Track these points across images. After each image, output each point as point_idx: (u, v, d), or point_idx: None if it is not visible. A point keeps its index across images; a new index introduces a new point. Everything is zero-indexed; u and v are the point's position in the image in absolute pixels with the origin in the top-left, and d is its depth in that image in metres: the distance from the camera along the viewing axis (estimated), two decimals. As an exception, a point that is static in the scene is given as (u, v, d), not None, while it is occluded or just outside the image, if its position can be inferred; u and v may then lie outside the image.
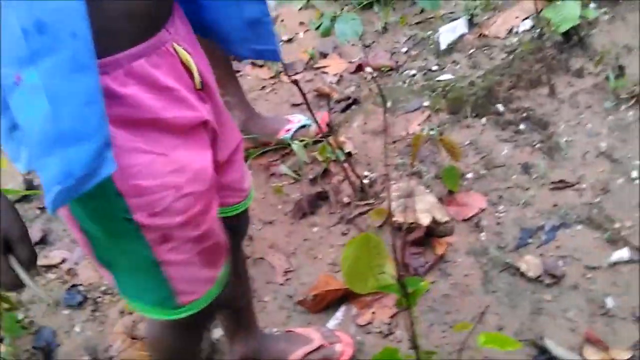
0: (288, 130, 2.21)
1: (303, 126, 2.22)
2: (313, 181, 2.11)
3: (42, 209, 2.22)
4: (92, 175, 0.80)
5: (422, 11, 2.71)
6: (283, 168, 2.16)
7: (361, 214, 1.95)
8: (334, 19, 2.74)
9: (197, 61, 1.00)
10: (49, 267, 2.04)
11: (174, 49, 0.95)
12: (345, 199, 2.02)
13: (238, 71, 2.69)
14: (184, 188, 0.98)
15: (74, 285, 1.98)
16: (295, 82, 1.76)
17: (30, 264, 0.89)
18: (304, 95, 1.82)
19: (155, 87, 0.92)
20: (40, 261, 2.02)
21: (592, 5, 2.32)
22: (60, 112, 0.75)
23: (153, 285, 1.06)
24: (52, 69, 0.74)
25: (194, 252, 1.05)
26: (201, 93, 1.02)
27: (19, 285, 0.90)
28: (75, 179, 0.77)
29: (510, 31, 2.46)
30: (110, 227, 0.96)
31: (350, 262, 1.16)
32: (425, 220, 1.80)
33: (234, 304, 1.48)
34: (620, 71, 2.09)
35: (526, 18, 2.47)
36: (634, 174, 1.82)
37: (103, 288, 1.95)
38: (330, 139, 1.90)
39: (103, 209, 0.94)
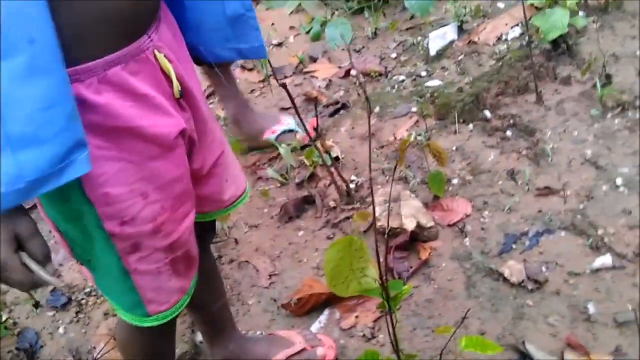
0: (274, 131, 2.22)
1: (290, 130, 2.23)
2: (299, 185, 2.11)
3: (29, 209, 2.21)
4: (51, 178, 0.79)
5: (412, 17, 2.72)
6: (270, 171, 2.16)
7: (347, 218, 1.96)
8: (324, 24, 2.76)
9: (178, 69, 0.99)
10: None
11: (155, 56, 0.95)
12: (332, 203, 2.02)
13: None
14: (150, 195, 0.98)
15: (57, 288, 1.98)
16: (284, 86, 1.76)
17: (45, 259, 0.88)
18: (292, 99, 1.82)
19: (131, 95, 0.91)
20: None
21: (580, 14, 2.33)
22: (11, 116, 0.74)
23: (123, 291, 1.06)
24: (5, 74, 0.73)
25: (164, 261, 1.05)
26: (180, 101, 1.01)
27: (35, 284, 0.89)
28: (26, 181, 0.77)
29: (499, 38, 2.47)
30: (84, 228, 0.97)
31: (332, 264, 1.16)
32: (410, 224, 1.80)
33: (207, 308, 1.48)
34: (608, 80, 2.10)
35: (515, 25, 2.48)
36: (619, 181, 1.83)
37: (87, 290, 1.95)
38: (318, 143, 1.91)
39: (75, 213, 0.94)
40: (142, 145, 0.95)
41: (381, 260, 1.16)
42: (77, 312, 1.90)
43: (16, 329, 1.88)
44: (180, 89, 0.99)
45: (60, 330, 1.86)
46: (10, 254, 0.85)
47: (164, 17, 1.00)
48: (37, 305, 1.92)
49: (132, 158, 0.95)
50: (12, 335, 1.86)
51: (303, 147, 2.19)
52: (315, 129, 1.86)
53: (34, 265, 0.87)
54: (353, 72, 1.70)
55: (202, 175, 1.14)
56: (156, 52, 0.95)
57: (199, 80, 1.10)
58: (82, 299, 1.93)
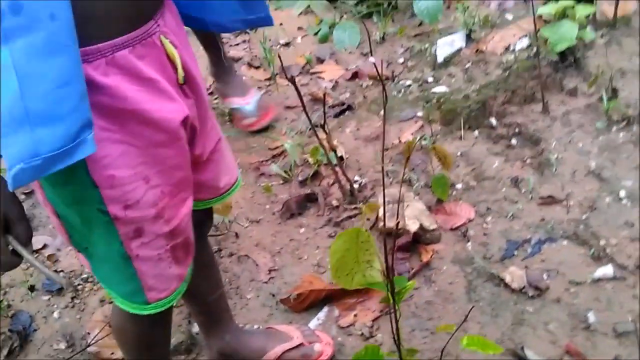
0: (248, 102, 2.32)
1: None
2: (303, 183, 2.11)
3: (27, 194, 2.20)
4: (64, 156, 0.79)
5: (420, 24, 2.73)
6: (274, 167, 2.16)
7: (349, 217, 1.95)
8: (332, 26, 2.76)
9: (183, 55, 1.00)
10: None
11: (161, 42, 0.95)
12: (334, 202, 2.01)
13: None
14: (151, 180, 0.98)
15: (54, 271, 1.96)
16: (292, 81, 1.76)
17: (27, 241, 0.91)
18: (300, 95, 1.82)
19: (137, 78, 0.91)
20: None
21: (589, 28, 2.35)
22: (30, 92, 0.74)
23: (123, 278, 1.06)
24: (25, 49, 0.73)
25: (165, 248, 1.05)
26: (184, 87, 1.02)
27: (17, 264, 0.92)
28: (43, 159, 0.77)
29: (507, 48, 2.48)
30: (85, 215, 0.96)
31: (338, 255, 1.16)
32: (413, 226, 1.80)
33: (204, 298, 1.47)
34: (614, 93, 2.12)
35: (523, 37, 2.49)
36: (622, 193, 1.83)
37: (84, 276, 1.93)
38: (324, 142, 1.90)
39: (78, 197, 0.94)
40: (146, 129, 0.95)
41: (387, 256, 1.16)
42: (72, 298, 1.88)
43: (10, 311, 1.86)
44: (184, 75, 1.00)
45: (55, 314, 1.84)
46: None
47: (167, 4, 1.01)
48: (32, 288, 1.91)
49: (136, 141, 0.94)
50: (6, 317, 1.83)
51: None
52: (323, 127, 1.85)
53: (19, 247, 0.90)
54: (371, 59, 1.68)
55: (202, 161, 1.14)
56: (162, 37, 0.95)
57: (199, 68, 1.10)
58: (79, 284, 1.91)
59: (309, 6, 2.92)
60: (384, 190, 1.15)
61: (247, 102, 2.33)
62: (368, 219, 1.94)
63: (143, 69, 0.92)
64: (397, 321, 1.18)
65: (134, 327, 1.25)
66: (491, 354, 1.52)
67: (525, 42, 2.47)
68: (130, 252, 1.01)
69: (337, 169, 1.98)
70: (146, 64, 0.92)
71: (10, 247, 0.90)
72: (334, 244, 1.14)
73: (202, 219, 1.31)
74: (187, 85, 1.02)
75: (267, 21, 1.15)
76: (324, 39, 2.76)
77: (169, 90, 0.96)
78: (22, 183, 0.78)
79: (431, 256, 1.78)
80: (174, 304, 1.16)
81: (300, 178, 2.12)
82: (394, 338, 1.22)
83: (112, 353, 1.67)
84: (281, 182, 2.14)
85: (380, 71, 1.25)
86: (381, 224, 1.85)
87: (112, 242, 0.99)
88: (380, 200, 1.89)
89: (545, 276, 1.67)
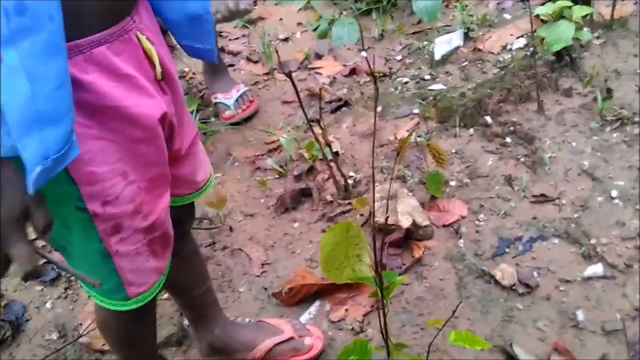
0: (229, 97, 2.41)
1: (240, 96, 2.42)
2: (297, 178, 2.12)
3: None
4: (64, 157, 0.80)
5: (419, 22, 2.74)
6: (269, 162, 2.17)
7: (343, 212, 1.96)
8: (331, 22, 2.77)
9: (159, 51, 1.00)
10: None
11: (137, 38, 0.96)
12: (328, 197, 2.02)
13: (232, 65, 2.71)
14: (129, 175, 0.98)
15: (48, 262, 1.97)
16: (289, 76, 1.77)
17: (47, 228, 0.86)
18: (297, 91, 1.83)
19: (115, 75, 0.92)
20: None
21: (585, 29, 2.35)
22: (38, 93, 0.75)
23: (103, 275, 1.04)
24: (30, 50, 0.74)
25: (143, 242, 1.05)
26: (162, 83, 1.02)
27: (36, 263, 0.85)
28: (52, 160, 0.78)
29: (504, 47, 2.50)
30: (63, 214, 0.96)
31: (328, 249, 1.17)
32: (405, 222, 1.81)
33: (189, 292, 1.48)
34: (608, 94, 2.12)
35: (521, 36, 2.51)
36: (614, 193, 1.84)
37: (78, 266, 1.94)
38: (319, 137, 1.91)
39: (56, 195, 0.92)
40: (125, 125, 0.95)
41: (376, 251, 1.17)
42: (65, 289, 1.90)
43: (3, 300, 1.87)
44: (161, 71, 1.00)
45: (48, 305, 1.85)
46: (21, 230, 0.83)
47: (141, 2, 1.01)
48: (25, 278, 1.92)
49: (114, 137, 0.94)
50: (-2, 308, 1.85)
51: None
52: (318, 123, 1.86)
53: (49, 256, 0.86)
54: (363, 54, 1.71)
55: (180, 156, 1.15)
56: (138, 33, 0.96)
57: (174, 64, 1.11)
58: (72, 275, 1.92)
59: (308, 2, 2.94)
60: (373, 185, 1.16)
61: (228, 97, 2.41)
62: (361, 215, 1.95)
63: (121, 65, 0.92)
64: (385, 315, 1.19)
65: (117, 323, 1.26)
66: (480, 351, 1.54)
67: (522, 42, 2.48)
68: (110, 248, 1.01)
69: (332, 164, 1.99)
70: (124, 60, 0.93)
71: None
72: (324, 238, 1.14)
73: (183, 215, 1.31)
74: (164, 81, 1.03)
75: (211, 55, 1.14)
76: (323, 35, 2.77)
77: (147, 86, 0.97)
78: (39, 186, 0.79)
79: (423, 252, 1.79)
80: (157, 298, 1.17)
81: (295, 173, 2.13)
82: (381, 332, 1.23)
83: (104, 344, 1.68)
84: (276, 176, 2.15)
85: (372, 67, 1.25)
86: (374, 219, 1.86)
87: (91, 239, 0.99)
88: (374, 197, 1.89)
89: (535, 274, 1.68)
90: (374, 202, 1.14)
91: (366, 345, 1.26)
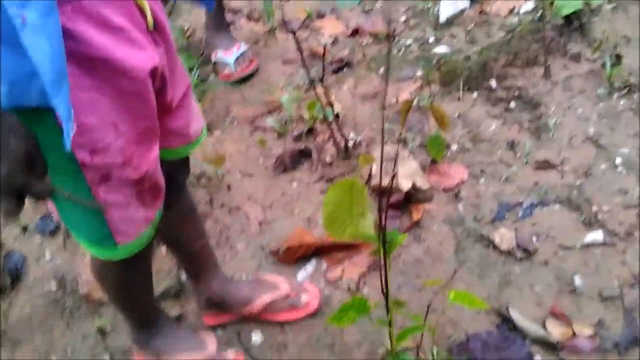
0: (229, 55, 2.37)
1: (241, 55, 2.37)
2: (297, 138, 2.09)
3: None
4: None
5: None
6: (270, 120, 2.14)
7: (342, 174, 1.94)
8: (336, -19, 2.71)
9: (150, 1, 0.98)
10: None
11: None
12: (328, 159, 2.00)
13: (232, 23, 2.66)
14: (120, 127, 0.97)
15: (47, 215, 1.96)
16: (293, 34, 1.73)
17: (45, 172, 0.91)
18: (300, 49, 1.79)
19: (106, 26, 0.89)
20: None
21: (596, -7, 2.31)
22: (55, 50, 0.76)
23: (92, 224, 1.05)
24: (40, 7, 0.74)
25: (133, 193, 1.04)
26: (153, 34, 1.00)
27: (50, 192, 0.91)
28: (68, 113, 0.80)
29: (511, 11, 2.45)
30: (52, 161, 0.95)
31: (331, 205, 1.15)
32: (406, 185, 1.79)
33: (186, 247, 1.48)
34: (617, 60, 2.09)
35: (528, 0, 2.45)
36: (618, 161, 1.82)
37: (75, 221, 1.93)
38: (321, 97, 1.88)
39: (46, 143, 0.91)
40: (115, 77, 0.93)
41: (380, 209, 1.15)
42: (65, 240, 1.89)
43: (2, 251, 1.87)
44: (153, 21, 0.98)
45: (47, 256, 1.85)
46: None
47: None
48: (25, 229, 1.91)
49: (105, 89, 0.93)
50: (-4, 258, 1.85)
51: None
52: (321, 82, 1.83)
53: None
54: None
55: (173, 108, 1.14)
56: None
57: (165, 15, 1.08)
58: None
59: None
60: (382, 145, 1.14)
61: (228, 55, 2.36)
62: (362, 176, 1.93)
63: (111, 15, 0.90)
64: (386, 272, 1.17)
65: (111, 272, 1.26)
66: (476, 313, 1.54)
67: (530, 5, 2.42)
68: (98, 198, 1.00)
69: (333, 125, 1.96)
70: (114, 10, 0.90)
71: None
72: (328, 194, 1.12)
73: (179, 168, 1.31)
74: (156, 32, 1.00)
75: (209, 3, 1.14)
76: (327, -6, 2.72)
77: (138, 38, 0.95)
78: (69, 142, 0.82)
79: (422, 215, 1.78)
80: (151, 249, 1.16)
81: (295, 133, 2.10)
82: (382, 289, 1.22)
83: (103, 295, 1.68)
84: (276, 136, 2.12)
85: (381, 28, 1.22)
86: (374, 181, 1.85)
87: (80, 188, 0.98)
88: (376, 156, 1.87)
89: (534, 239, 1.67)
90: (382, 160, 1.11)
91: (365, 303, 1.25)
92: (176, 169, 1.30)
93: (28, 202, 0.93)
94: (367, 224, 1.19)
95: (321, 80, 1.83)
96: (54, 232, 1.92)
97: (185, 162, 1.34)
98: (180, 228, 1.43)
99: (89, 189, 0.98)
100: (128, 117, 0.98)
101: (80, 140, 0.93)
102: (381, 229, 1.15)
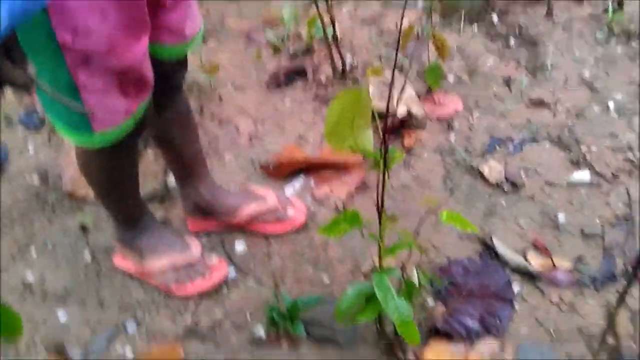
0: None
1: None
2: (293, 56, 2.06)
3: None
4: None
5: None
6: (267, 34, 2.09)
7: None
8: None
9: None
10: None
11: None
12: (323, 79, 1.98)
13: None
14: (108, 14, 0.95)
15: (32, 110, 1.92)
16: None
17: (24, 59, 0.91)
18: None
19: None
20: None
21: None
22: None
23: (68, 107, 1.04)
24: None
25: (114, 82, 1.03)
26: None
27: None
28: None
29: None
30: (33, 42, 0.94)
31: (335, 116, 1.14)
32: (401, 110, 1.78)
33: (178, 148, 1.47)
34: (619, 6, 2.07)
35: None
36: (611, 105, 1.83)
37: (61, 118, 1.89)
38: (323, 13, 1.84)
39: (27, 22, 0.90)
40: None
41: (382, 125, 1.14)
42: (50, 136, 1.85)
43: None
44: None
45: (30, 150, 1.81)
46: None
47: None
48: (9, 121, 1.87)
49: None
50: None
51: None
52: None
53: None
54: None
55: (169, 1, 1.12)
56: None
57: None
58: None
59: None
60: (395, 66, 1.12)
61: None
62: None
63: None
64: (383, 187, 1.18)
65: (94, 164, 1.26)
66: (460, 240, 1.56)
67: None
68: (77, 81, 1.00)
69: (332, 45, 1.93)
70: None
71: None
72: (333, 103, 1.11)
73: (175, 68, 1.30)
74: None
75: None
76: None
77: None
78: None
79: (414, 142, 1.78)
80: (136, 143, 1.17)
81: (291, 51, 2.07)
82: (377, 204, 1.22)
83: (87, 193, 1.66)
84: (271, 52, 2.08)
85: None
86: (372, 102, 1.83)
87: (60, 69, 0.98)
88: (372, 82, 1.86)
89: (522, 174, 1.69)
90: (392, 80, 1.10)
91: (357, 215, 1.25)
92: (172, 70, 1.28)
93: (11, 92, 0.92)
94: (367, 138, 1.19)
95: (325, -4, 1.79)
96: (39, 127, 1.88)
97: (182, 63, 1.32)
98: (175, 129, 1.41)
99: (68, 71, 0.98)
100: (116, 3, 0.96)
101: (62, 20, 0.92)
102: (384, 144, 1.15)
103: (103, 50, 0.98)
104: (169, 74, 1.27)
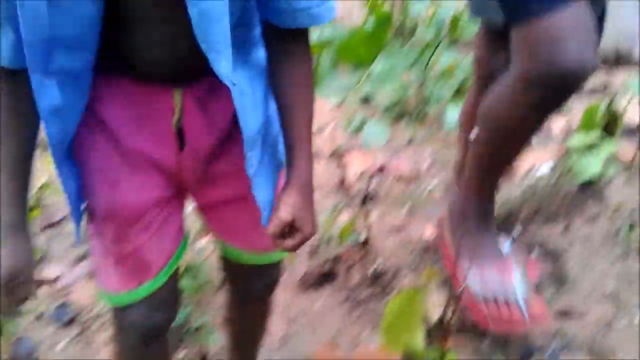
0: None
1: None
2: (324, 259, 2.12)
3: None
4: None
5: (447, 133, 2.85)
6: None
7: (370, 298, 1.96)
8: (364, 122, 2.87)
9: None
10: (43, 282, 1.99)
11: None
12: (354, 283, 2.03)
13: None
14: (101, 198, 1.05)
15: (63, 305, 1.92)
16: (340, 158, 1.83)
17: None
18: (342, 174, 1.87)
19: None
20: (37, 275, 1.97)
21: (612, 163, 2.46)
22: None
23: None
24: None
25: (110, 251, 1.08)
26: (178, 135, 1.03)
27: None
28: None
29: (528, 171, 2.59)
30: None
31: (392, 315, 1.18)
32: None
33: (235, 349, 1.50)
34: (631, 227, 2.20)
35: (545, 162, 2.61)
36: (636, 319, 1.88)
37: (95, 312, 1.89)
38: (361, 217, 1.93)
39: None
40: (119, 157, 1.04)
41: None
42: (79, 333, 1.84)
43: (13, 337, 1.81)
44: (179, 119, 1.01)
45: (59, 347, 1.79)
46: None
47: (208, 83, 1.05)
48: (40, 317, 1.86)
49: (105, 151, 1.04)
50: (8, 343, 1.78)
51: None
52: (363, 203, 1.90)
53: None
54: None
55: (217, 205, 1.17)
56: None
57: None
58: (88, 320, 1.87)
59: (344, 100, 3.05)
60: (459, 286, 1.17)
61: None
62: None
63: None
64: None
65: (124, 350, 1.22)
66: None
67: (547, 167, 2.58)
68: (89, 230, 1.08)
69: (363, 249, 2.01)
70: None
71: None
72: (391, 304, 1.16)
73: (247, 275, 1.28)
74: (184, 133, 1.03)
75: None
76: (355, 132, 2.86)
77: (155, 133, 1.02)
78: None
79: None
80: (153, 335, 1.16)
81: (322, 255, 2.14)
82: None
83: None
84: (306, 253, 2.15)
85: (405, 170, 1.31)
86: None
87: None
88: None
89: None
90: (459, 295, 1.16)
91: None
92: (245, 276, 1.28)
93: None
94: (418, 337, 1.22)
95: (363, 202, 1.90)
96: (69, 324, 1.87)
97: (262, 272, 1.28)
98: (242, 329, 1.46)
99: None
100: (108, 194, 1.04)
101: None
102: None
103: (101, 215, 1.06)
104: (242, 281, 1.29)
